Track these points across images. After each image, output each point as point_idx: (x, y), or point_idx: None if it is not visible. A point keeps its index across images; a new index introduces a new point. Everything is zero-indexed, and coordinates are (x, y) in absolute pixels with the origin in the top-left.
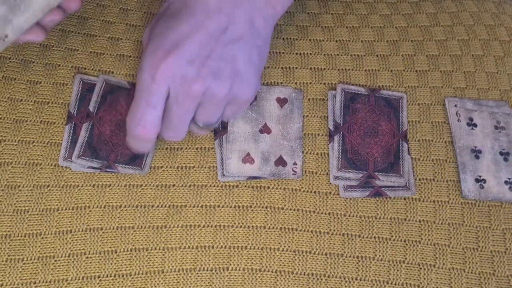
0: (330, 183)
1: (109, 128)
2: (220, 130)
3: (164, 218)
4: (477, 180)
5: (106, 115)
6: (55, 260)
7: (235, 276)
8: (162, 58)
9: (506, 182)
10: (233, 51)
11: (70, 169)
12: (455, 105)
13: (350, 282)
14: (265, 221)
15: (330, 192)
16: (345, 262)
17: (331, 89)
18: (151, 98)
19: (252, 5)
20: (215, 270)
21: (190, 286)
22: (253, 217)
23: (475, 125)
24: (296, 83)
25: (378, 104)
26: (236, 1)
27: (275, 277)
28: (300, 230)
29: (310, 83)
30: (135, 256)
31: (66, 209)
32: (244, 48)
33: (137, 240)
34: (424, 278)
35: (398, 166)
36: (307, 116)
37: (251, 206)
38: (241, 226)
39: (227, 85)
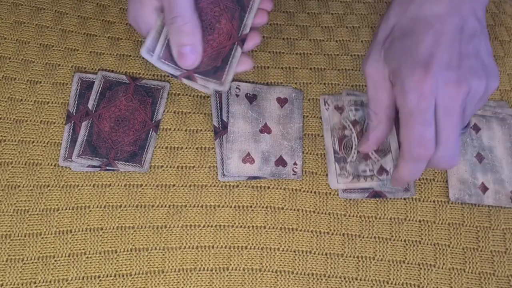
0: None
1: (108, 125)
2: (220, 130)
3: (164, 218)
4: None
5: (105, 112)
6: (55, 260)
7: (235, 276)
8: (424, 73)
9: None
10: (475, 46)
11: (70, 169)
12: None
13: (350, 282)
14: (265, 221)
15: (330, 192)
16: (345, 262)
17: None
18: (426, 116)
19: None
20: (215, 270)
21: (190, 286)
22: (253, 217)
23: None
24: (296, 83)
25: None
26: (459, 0)
27: (275, 277)
28: (300, 230)
29: (310, 83)
30: (135, 256)
31: (66, 209)
32: (481, 40)
33: (137, 240)
34: (424, 278)
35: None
36: (307, 116)
37: (251, 206)
38: (241, 226)
39: (484, 78)
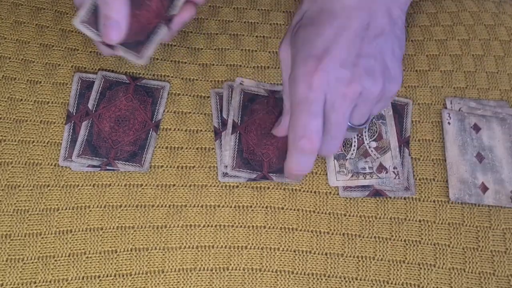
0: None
1: (108, 125)
2: (220, 130)
3: (164, 218)
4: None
5: (105, 111)
6: (55, 260)
7: (235, 276)
8: (315, 66)
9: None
10: (379, 46)
11: (70, 169)
12: (458, 103)
13: (350, 282)
14: (265, 221)
15: (330, 192)
16: (345, 262)
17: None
18: (312, 107)
19: None
20: (215, 270)
21: (190, 286)
22: (253, 217)
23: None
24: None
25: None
26: None
27: (275, 277)
28: (300, 230)
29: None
30: (135, 256)
31: (66, 209)
32: (387, 41)
33: (137, 240)
34: (424, 278)
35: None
36: None
37: (251, 206)
38: (241, 226)
39: (380, 81)
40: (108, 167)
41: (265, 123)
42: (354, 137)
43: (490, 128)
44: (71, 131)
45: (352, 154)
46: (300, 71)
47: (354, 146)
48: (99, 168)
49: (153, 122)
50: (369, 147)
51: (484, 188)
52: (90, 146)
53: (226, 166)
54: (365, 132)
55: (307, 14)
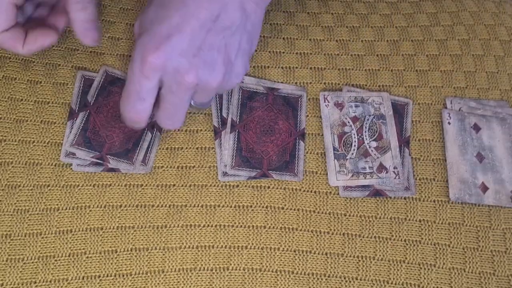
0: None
1: (105, 119)
2: (220, 130)
3: (165, 218)
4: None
5: (104, 106)
6: (56, 260)
7: (236, 276)
8: (152, 51)
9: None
10: (225, 39)
11: (71, 169)
12: (458, 103)
13: (350, 281)
14: (265, 221)
15: (330, 192)
16: (345, 261)
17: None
18: (141, 91)
19: None
20: (215, 270)
21: (190, 286)
22: (253, 217)
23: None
24: (296, 82)
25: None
26: None
27: (276, 277)
28: (300, 230)
29: (311, 82)
30: (135, 256)
31: (66, 208)
32: (235, 35)
33: (137, 240)
34: (425, 278)
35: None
36: (307, 115)
37: (251, 206)
38: (241, 226)
39: (220, 75)
40: (99, 161)
41: (264, 120)
42: (354, 136)
43: (490, 128)
44: (72, 127)
45: (352, 154)
46: (137, 53)
47: (355, 146)
48: (101, 169)
49: (149, 121)
50: (369, 147)
51: (484, 188)
52: (84, 138)
53: (226, 165)
54: (365, 131)
55: None
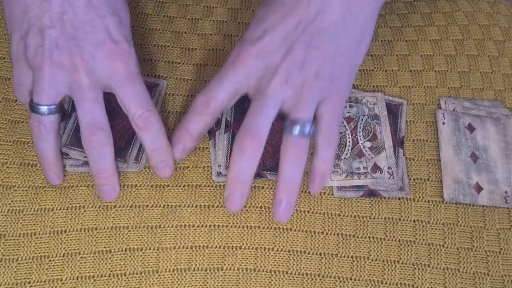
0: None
1: None
2: (214, 130)
3: (159, 218)
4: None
5: None
6: (50, 260)
7: (230, 276)
8: (246, 48)
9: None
10: (321, 42)
11: (65, 169)
12: (452, 103)
13: (344, 282)
14: (259, 221)
15: (325, 192)
16: (339, 262)
17: None
18: (223, 81)
19: None
20: (210, 270)
21: (184, 286)
22: (248, 217)
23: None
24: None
25: None
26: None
27: (270, 277)
28: (295, 230)
29: None
30: (130, 256)
31: (60, 209)
32: (334, 38)
33: (132, 240)
34: (419, 278)
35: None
36: None
37: (245, 206)
38: (235, 226)
39: (316, 83)
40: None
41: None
42: (349, 136)
43: (485, 128)
44: (65, 124)
45: (347, 154)
46: (236, 46)
47: (349, 146)
48: (87, 166)
49: None
50: (364, 147)
51: (479, 188)
52: (77, 138)
53: (220, 166)
54: (359, 132)
55: None
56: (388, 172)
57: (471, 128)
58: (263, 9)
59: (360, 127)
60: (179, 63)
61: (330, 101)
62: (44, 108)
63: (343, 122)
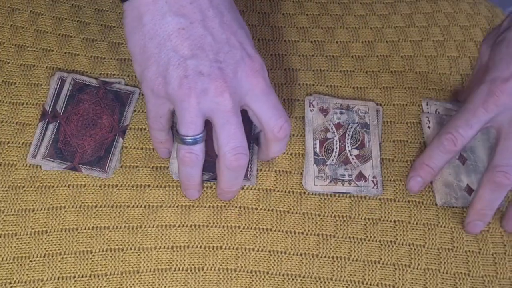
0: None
1: (75, 128)
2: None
3: (140, 218)
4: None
5: (73, 115)
6: (31, 261)
7: (210, 276)
8: (498, 86)
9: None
10: None
11: (46, 169)
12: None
13: (325, 282)
14: (240, 221)
15: (304, 192)
16: (320, 262)
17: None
18: (472, 119)
19: None
20: (191, 270)
21: (165, 286)
22: (228, 217)
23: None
24: (271, 84)
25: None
26: None
27: (250, 277)
28: (275, 231)
29: (285, 83)
30: (111, 256)
31: (41, 209)
32: None
33: (113, 240)
34: (399, 279)
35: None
36: (290, 117)
37: (225, 206)
38: (216, 226)
39: None
40: (72, 171)
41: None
42: (336, 142)
43: None
44: (44, 129)
45: (333, 160)
46: (485, 85)
47: (336, 152)
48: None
49: (120, 127)
50: (350, 155)
51: (470, 190)
52: (56, 149)
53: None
54: (347, 139)
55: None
56: (373, 181)
57: None
58: (509, 44)
59: (348, 135)
60: None
61: None
62: (193, 139)
63: (332, 128)
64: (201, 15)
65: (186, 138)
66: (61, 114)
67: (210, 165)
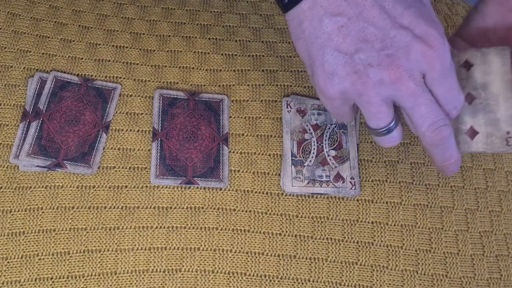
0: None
1: (58, 125)
2: (160, 132)
3: (117, 220)
4: None
5: (56, 112)
6: (8, 262)
7: (188, 277)
8: None
9: None
10: None
11: (24, 170)
12: None
13: (302, 283)
14: (217, 223)
15: (282, 193)
16: (297, 263)
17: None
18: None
19: None
20: (168, 272)
21: None
22: (205, 218)
23: None
24: (220, 85)
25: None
26: None
27: (228, 279)
28: (253, 232)
29: (234, 85)
30: (88, 258)
31: (18, 210)
32: None
33: (90, 242)
34: (377, 280)
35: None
36: (260, 118)
37: (203, 207)
38: (193, 228)
39: None
40: (57, 168)
41: (186, 127)
42: (314, 143)
43: (486, 62)
44: (25, 129)
45: (310, 161)
46: None
47: (313, 153)
48: (47, 169)
49: (103, 123)
50: (328, 156)
51: (473, 133)
52: (40, 146)
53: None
54: (325, 140)
55: None
56: (351, 182)
57: (468, 66)
58: None
59: (326, 135)
60: (137, 64)
61: None
62: (387, 129)
63: (309, 129)
64: (358, 9)
65: (379, 130)
66: (43, 111)
67: (181, 169)
